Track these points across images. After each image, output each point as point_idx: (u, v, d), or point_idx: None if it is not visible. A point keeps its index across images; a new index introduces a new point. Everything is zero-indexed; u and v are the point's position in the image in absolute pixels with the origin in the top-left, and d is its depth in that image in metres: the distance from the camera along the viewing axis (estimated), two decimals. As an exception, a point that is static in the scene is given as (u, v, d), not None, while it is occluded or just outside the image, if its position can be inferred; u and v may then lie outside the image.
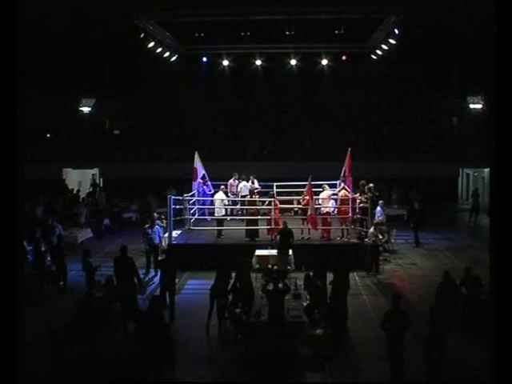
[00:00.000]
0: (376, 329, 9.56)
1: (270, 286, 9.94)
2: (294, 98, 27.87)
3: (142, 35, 20.49)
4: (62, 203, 22.43)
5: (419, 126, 27.31)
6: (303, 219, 16.17)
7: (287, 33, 19.25)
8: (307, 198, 15.80)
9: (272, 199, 16.13)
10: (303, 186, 16.71)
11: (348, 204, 16.21)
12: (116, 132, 29.45)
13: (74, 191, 24.99)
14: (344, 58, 25.44)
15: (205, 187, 19.07)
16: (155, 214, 16.38)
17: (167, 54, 23.63)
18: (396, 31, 19.85)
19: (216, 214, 17.43)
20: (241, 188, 19.00)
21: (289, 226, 14.37)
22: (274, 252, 14.13)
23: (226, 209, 18.04)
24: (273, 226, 15.63)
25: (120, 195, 23.82)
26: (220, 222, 17.09)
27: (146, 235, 15.27)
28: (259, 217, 16.52)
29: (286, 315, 9.93)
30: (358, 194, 16.45)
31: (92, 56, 24.82)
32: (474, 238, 19.72)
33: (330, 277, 11.44)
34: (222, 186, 18.27)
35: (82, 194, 25.01)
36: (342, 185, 16.94)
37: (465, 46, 23.02)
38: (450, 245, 18.64)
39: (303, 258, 13.56)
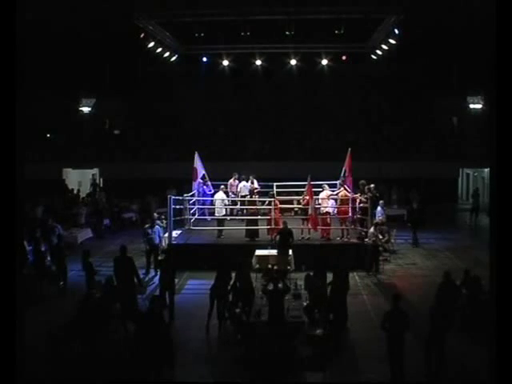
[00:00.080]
0: (376, 329, 9.56)
1: (270, 286, 9.95)
2: (294, 97, 27.87)
3: (142, 35, 20.48)
4: (61, 203, 22.43)
5: (419, 126, 27.32)
6: (303, 219, 16.17)
7: (287, 33, 19.29)
8: (307, 197, 15.81)
9: (272, 199, 16.14)
10: (303, 186, 16.71)
11: (348, 204, 16.22)
12: (116, 132, 29.46)
13: (74, 191, 25.00)
14: (344, 58, 25.44)
15: (205, 187, 19.08)
16: (155, 214, 16.39)
17: (167, 54, 23.62)
18: (396, 31, 19.83)
19: (217, 214, 17.43)
20: (241, 188, 19.00)
21: (289, 226, 14.37)
22: (274, 252, 14.12)
23: (226, 209, 18.04)
24: (273, 226, 15.63)
25: (120, 195, 23.80)
26: (220, 221, 17.09)
27: (146, 235, 15.27)
28: (259, 217, 16.53)
29: (286, 315, 9.93)
30: (358, 194, 16.45)
31: (92, 56, 24.82)
32: (474, 238, 19.73)
33: (330, 277, 11.45)
34: (222, 186, 18.27)
35: (82, 194, 25.01)
36: (341, 187, 16.92)
37: (465, 45, 23.03)
38: (450, 245, 18.64)
39: (303, 258, 13.55)
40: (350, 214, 16.26)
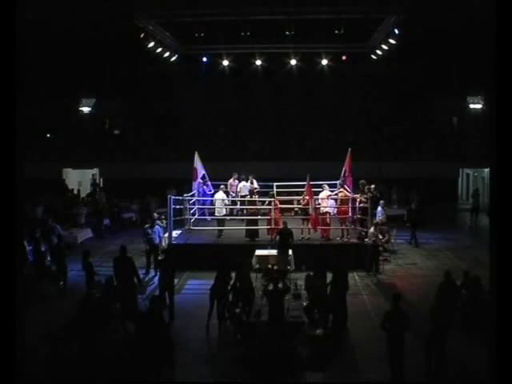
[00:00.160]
0: (376, 329, 9.56)
1: (270, 286, 9.95)
2: (294, 97, 27.87)
3: (142, 35, 20.48)
4: (61, 203, 22.43)
5: (419, 126, 27.33)
6: (303, 219, 16.17)
7: (287, 33, 19.28)
8: (307, 197, 15.81)
9: (272, 199, 16.14)
10: (303, 186, 16.71)
11: (348, 204, 16.22)
12: (116, 132, 29.47)
13: (74, 191, 25.00)
14: (344, 58, 25.44)
15: (205, 187, 19.08)
16: (155, 214, 16.37)
17: (167, 54, 23.62)
18: (396, 31, 19.83)
19: (217, 214, 17.43)
20: (240, 188, 19.00)
21: (289, 226, 14.37)
22: (274, 252, 14.11)
23: (226, 208, 18.04)
24: (273, 226, 15.63)
25: (120, 195, 23.80)
26: (220, 221, 17.10)
27: (146, 235, 15.27)
28: (259, 217, 16.53)
29: (286, 315, 9.93)
30: (358, 195, 16.45)
31: (92, 56, 24.82)
32: (474, 238, 19.73)
33: (330, 277, 11.44)
34: (222, 186, 18.26)
35: (82, 194, 25.01)
36: (340, 188, 16.92)
37: (465, 45, 23.02)
38: (450, 245, 18.65)
39: (303, 258, 13.55)
40: (350, 214, 16.26)
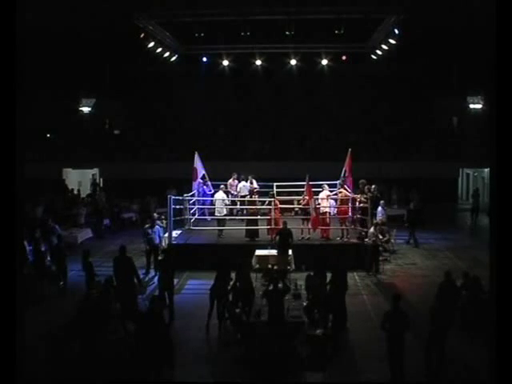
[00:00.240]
0: (376, 329, 9.56)
1: (270, 286, 9.95)
2: (294, 97, 27.86)
3: (142, 35, 20.49)
4: (61, 203, 22.43)
5: (419, 126, 27.32)
6: (303, 219, 16.17)
7: (287, 33, 19.27)
8: (307, 197, 15.81)
9: (272, 199, 16.13)
10: (303, 186, 16.71)
11: (348, 204, 16.21)
12: (116, 132, 29.46)
13: (74, 191, 24.99)
14: (344, 57, 25.44)
15: (205, 187, 19.08)
16: (155, 214, 16.38)
17: (167, 54, 23.63)
18: (396, 31, 19.84)
19: (217, 214, 17.42)
20: (240, 188, 19.00)
21: (289, 226, 14.37)
22: (274, 252, 14.11)
23: (226, 208, 18.03)
24: (273, 226, 15.63)
25: (120, 195, 23.81)
26: (220, 221, 17.09)
27: (146, 235, 15.27)
28: (259, 217, 16.53)
29: (286, 315, 9.93)
30: (358, 195, 16.45)
31: (92, 56, 24.81)
32: (474, 238, 19.74)
33: (330, 277, 11.44)
34: (222, 186, 18.26)
35: (82, 194, 25.01)
36: (340, 188, 16.91)
37: (465, 45, 23.01)
38: (450, 245, 18.64)
39: (303, 258, 13.56)
40: (350, 214, 16.25)
